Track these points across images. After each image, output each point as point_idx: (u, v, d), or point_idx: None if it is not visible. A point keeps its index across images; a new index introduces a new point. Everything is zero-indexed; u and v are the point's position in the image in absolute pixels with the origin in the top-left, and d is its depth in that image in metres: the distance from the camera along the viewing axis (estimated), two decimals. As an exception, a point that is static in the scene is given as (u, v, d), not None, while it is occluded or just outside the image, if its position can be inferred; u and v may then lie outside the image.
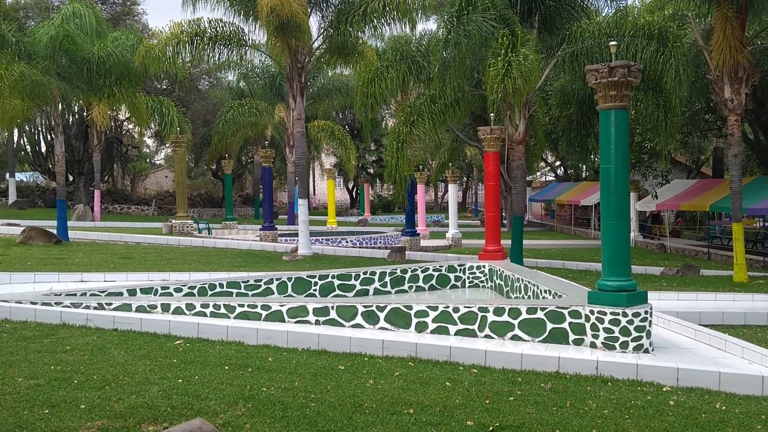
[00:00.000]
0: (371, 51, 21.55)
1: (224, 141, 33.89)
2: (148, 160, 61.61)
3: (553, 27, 18.34)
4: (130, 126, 42.73)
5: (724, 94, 17.84)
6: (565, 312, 8.44)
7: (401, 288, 13.88)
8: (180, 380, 6.51)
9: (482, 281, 14.61)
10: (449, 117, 18.34)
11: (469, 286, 14.59)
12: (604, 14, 22.04)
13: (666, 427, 5.68)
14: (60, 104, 20.51)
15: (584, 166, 50.36)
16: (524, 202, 19.92)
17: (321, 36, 20.16)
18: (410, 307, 9.07)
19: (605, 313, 8.13)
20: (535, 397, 6.43)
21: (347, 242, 25.08)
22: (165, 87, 37.75)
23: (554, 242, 31.27)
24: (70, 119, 35.17)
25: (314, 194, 68.37)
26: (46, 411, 5.46)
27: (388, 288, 13.69)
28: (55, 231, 20.42)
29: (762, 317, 11.20)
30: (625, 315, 8.05)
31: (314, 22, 37.60)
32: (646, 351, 8.07)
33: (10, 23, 20.33)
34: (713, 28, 18.15)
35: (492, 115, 15.48)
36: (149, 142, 51.90)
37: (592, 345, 8.22)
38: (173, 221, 25.36)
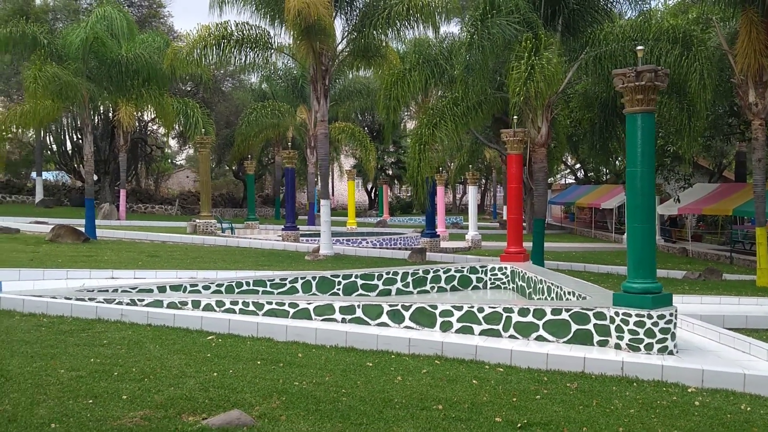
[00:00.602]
0: (394, 54, 21.72)
1: (247, 142, 34.25)
2: (170, 161, 62.27)
3: (577, 30, 18.39)
4: (155, 127, 43.30)
5: (748, 98, 17.81)
6: (590, 313, 8.55)
7: (423, 288, 14.01)
8: (215, 374, 6.71)
9: (504, 283, 14.70)
10: (471, 119, 18.45)
11: (490, 288, 14.69)
12: (627, 17, 22.08)
13: (692, 426, 5.79)
14: (89, 105, 20.82)
15: (605, 169, 50.25)
16: (546, 204, 19.98)
17: (345, 39, 20.38)
18: (435, 307, 9.22)
19: (630, 315, 8.23)
20: (561, 396, 6.55)
21: (368, 243, 25.25)
22: (189, 89, 38.21)
23: (574, 245, 31.22)
24: (96, 119, 35.70)
25: (333, 195, 68.67)
26: (90, 401, 5.68)
27: (410, 288, 13.83)
28: (82, 229, 20.79)
29: (785, 321, 11.21)
30: (650, 317, 8.15)
31: (339, 25, 37.91)
32: (671, 353, 8.15)
33: (41, 25, 20.73)
34: (738, 31, 18.14)
35: (515, 118, 15.55)
36: (172, 142, 52.58)
37: (617, 346, 8.32)
38: (197, 221, 25.68)
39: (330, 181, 66.17)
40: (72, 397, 5.78)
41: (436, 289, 14.14)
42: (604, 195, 39.62)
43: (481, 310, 8.99)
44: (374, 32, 19.01)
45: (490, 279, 14.74)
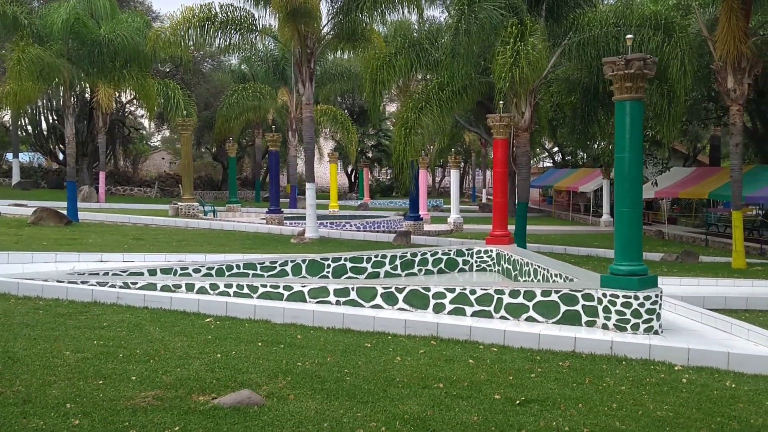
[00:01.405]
0: (379, 37, 21.76)
1: (228, 124, 34.07)
2: (145, 142, 61.69)
3: (560, 15, 18.58)
4: (132, 108, 42.87)
5: (727, 84, 18.15)
6: (579, 295, 8.80)
7: (411, 271, 14.22)
8: (219, 355, 6.85)
9: (489, 265, 14.94)
10: (457, 104, 18.60)
11: (476, 270, 14.92)
12: (607, 2, 22.32)
13: (681, 402, 6.06)
14: (69, 87, 20.62)
15: (584, 153, 50.80)
16: (528, 188, 20.24)
17: (330, 22, 20.37)
18: (428, 289, 9.42)
19: (618, 297, 8.50)
20: (555, 374, 6.80)
21: (351, 226, 25.40)
22: (168, 70, 37.83)
23: (553, 228, 31.66)
24: (73, 101, 35.23)
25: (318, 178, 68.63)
26: (100, 382, 5.80)
27: (399, 271, 14.03)
28: (64, 212, 20.67)
29: (763, 302, 11.61)
30: (636, 298, 8.42)
31: (324, 8, 37.73)
32: (656, 333, 8.44)
33: (21, 5, 20.43)
34: (717, 18, 18.44)
35: (501, 103, 15.74)
36: (146, 123, 51.99)
37: (604, 327, 8.59)
38: (179, 203, 25.62)
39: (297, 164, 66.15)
40: (81, 378, 5.89)
41: (423, 271, 14.36)
42: (582, 179, 40.12)
43: (473, 292, 9.21)
44: (360, 15, 19.03)
45: (475, 261, 14.97)
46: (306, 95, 20.15)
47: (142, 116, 45.32)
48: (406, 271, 14.13)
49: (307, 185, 20.49)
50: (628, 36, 9.20)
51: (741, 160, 18.49)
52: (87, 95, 34.36)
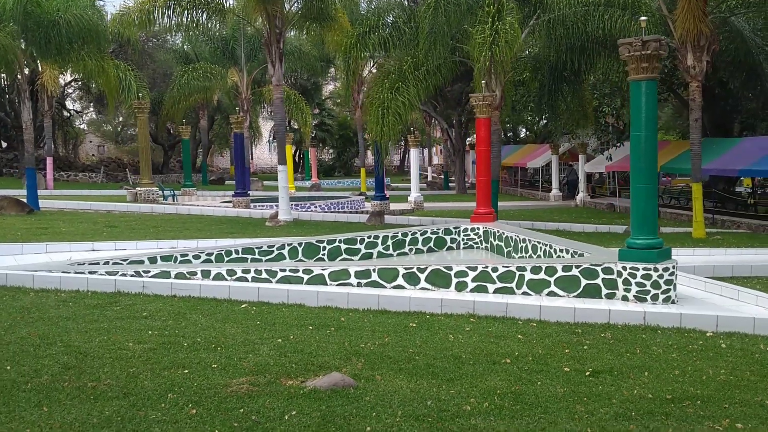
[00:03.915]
0: (344, 16, 21.63)
1: (177, 105, 33.24)
2: (75, 125, 59.48)
3: (528, -5, 18.94)
4: (70, 90, 41.25)
5: (687, 62, 18.90)
6: (599, 269, 9.16)
7: (402, 251, 14.40)
8: (279, 340, 6.87)
9: (476, 243, 15.25)
10: (431, 83, 18.75)
11: (464, 248, 15.21)
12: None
13: (733, 366, 6.45)
14: (24, 71, 19.74)
15: (525, 129, 51.92)
16: (499, 166, 20.66)
17: (296, 2, 20.14)
18: (450, 268, 9.60)
19: (638, 269, 8.89)
20: (603, 345, 7.10)
21: (316, 207, 25.31)
22: (112, 50, 36.49)
23: (507, 204, 32.30)
24: (10, 83, 33.70)
25: (252, 159, 67.65)
26: (185, 371, 5.76)
27: (391, 251, 14.18)
28: (23, 200, 19.90)
29: (746, 269, 12.28)
30: (656, 270, 8.84)
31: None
32: (673, 302, 8.88)
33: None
34: (677, -3, 19.13)
35: (483, 82, 15.97)
36: (69, 105, 49.81)
37: (624, 298, 8.98)
38: (138, 189, 24.99)
39: (250, 144, 65.20)
40: (161, 368, 5.83)
41: (414, 251, 14.57)
42: (529, 155, 41.03)
43: (495, 269, 9.45)
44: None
45: (463, 239, 15.25)
46: (276, 76, 19.90)
47: (81, 98, 43.71)
48: (398, 251, 14.30)
49: (279, 167, 20.33)
50: (642, 18, 9.59)
51: (700, 134, 19.33)
52: (19, 77, 32.79)
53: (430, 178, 53.98)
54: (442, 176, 49.29)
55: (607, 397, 5.48)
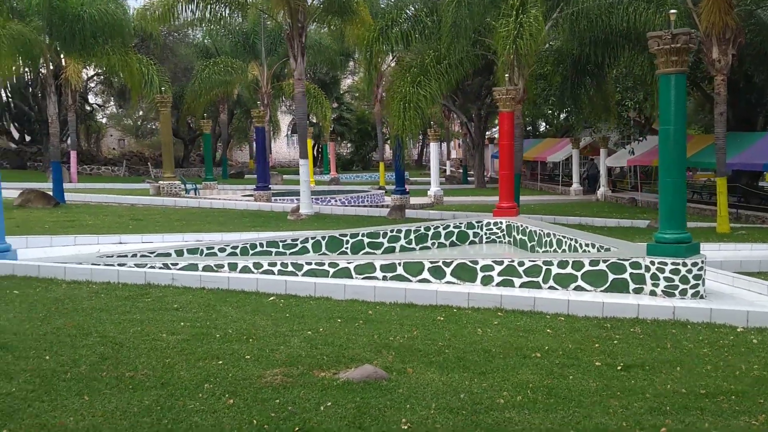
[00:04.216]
0: (366, 10, 21.62)
1: (198, 100, 33.45)
2: (97, 119, 60.03)
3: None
4: (92, 84, 41.64)
5: (712, 55, 18.71)
6: (627, 263, 9.12)
7: (425, 245, 14.42)
8: (309, 332, 6.92)
9: (499, 237, 15.21)
10: (453, 76, 18.72)
11: (486, 242, 15.19)
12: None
13: (766, 361, 6.40)
14: (50, 65, 19.97)
15: (545, 123, 51.59)
16: (521, 160, 20.59)
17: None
18: (476, 262, 9.61)
19: (666, 264, 8.84)
20: (633, 340, 7.08)
21: (336, 201, 25.39)
22: (134, 44, 36.78)
23: (527, 198, 32.14)
24: (37, 77, 34.07)
25: (271, 153, 67.96)
26: (220, 362, 5.83)
27: (413, 245, 14.19)
28: (50, 193, 20.14)
29: (775, 265, 12.17)
30: (684, 265, 8.78)
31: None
32: (702, 297, 8.83)
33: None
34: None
35: (507, 75, 15.92)
36: (91, 99, 50.28)
37: (652, 293, 8.93)
38: (161, 182, 25.19)
39: (269, 139, 65.37)
40: (196, 359, 5.90)
41: (436, 245, 14.58)
42: (548, 149, 40.79)
43: (521, 263, 9.44)
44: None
45: (485, 234, 15.23)
46: (298, 70, 19.96)
47: (103, 93, 44.08)
48: (421, 245, 14.32)
49: (301, 161, 20.41)
50: (672, 11, 9.46)
51: (725, 128, 19.13)
52: (43, 71, 33.13)
53: (448, 173, 53.94)
54: (461, 170, 49.15)
55: (640, 391, 5.47)
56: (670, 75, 9.00)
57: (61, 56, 22.65)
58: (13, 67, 19.99)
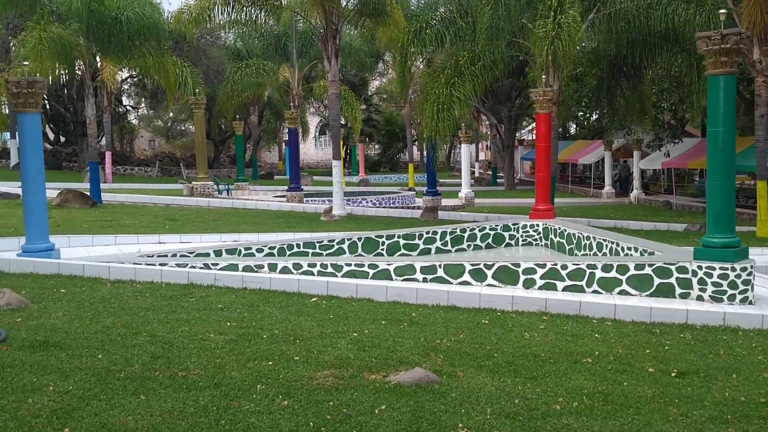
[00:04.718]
0: (399, 12, 21.59)
1: (230, 101, 33.67)
2: (127, 121, 60.74)
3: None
4: (126, 86, 42.16)
5: (752, 56, 18.36)
6: (673, 268, 8.96)
7: (460, 246, 14.34)
8: (355, 334, 6.89)
9: (535, 240, 15.08)
10: (487, 78, 18.61)
11: (522, 245, 15.08)
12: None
13: (824, 369, 6.24)
14: (89, 67, 20.24)
15: (575, 125, 51.05)
16: (556, 161, 20.38)
17: (354, -2, 20.20)
18: (518, 265, 9.52)
19: (714, 269, 8.67)
20: (685, 346, 6.94)
21: (367, 202, 25.37)
22: (166, 47, 37.19)
23: (559, 200, 31.79)
24: (72, 79, 34.57)
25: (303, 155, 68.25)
26: (270, 363, 5.82)
27: (449, 247, 14.14)
28: (87, 193, 20.40)
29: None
30: (733, 270, 8.61)
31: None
32: (751, 303, 8.64)
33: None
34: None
35: (544, 77, 15.78)
36: (124, 101, 50.86)
37: (699, 298, 8.76)
38: (194, 183, 25.40)
39: (300, 140, 65.71)
40: (246, 359, 5.90)
41: (472, 247, 14.49)
42: (580, 151, 40.40)
43: (564, 267, 9.32)
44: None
45: (521, 236, 15.11)
46: (332, 72, 20.01)
47: (137, 94, 44.60)
48: (456, 247, 14.26)
49: (334, 162, 20.43)
50: (722, 11, 9.29)
51: (766, 130, 18.76)
52: (80, 72, 33.59)
53: (477, 174, 53.71)
54: (490, 172, 48.88)
55: (698, 399, 5.35)
56: (719, 76, 8.83)
57: (97, 58, 22.87)
58: (54, 70, 20.14)
